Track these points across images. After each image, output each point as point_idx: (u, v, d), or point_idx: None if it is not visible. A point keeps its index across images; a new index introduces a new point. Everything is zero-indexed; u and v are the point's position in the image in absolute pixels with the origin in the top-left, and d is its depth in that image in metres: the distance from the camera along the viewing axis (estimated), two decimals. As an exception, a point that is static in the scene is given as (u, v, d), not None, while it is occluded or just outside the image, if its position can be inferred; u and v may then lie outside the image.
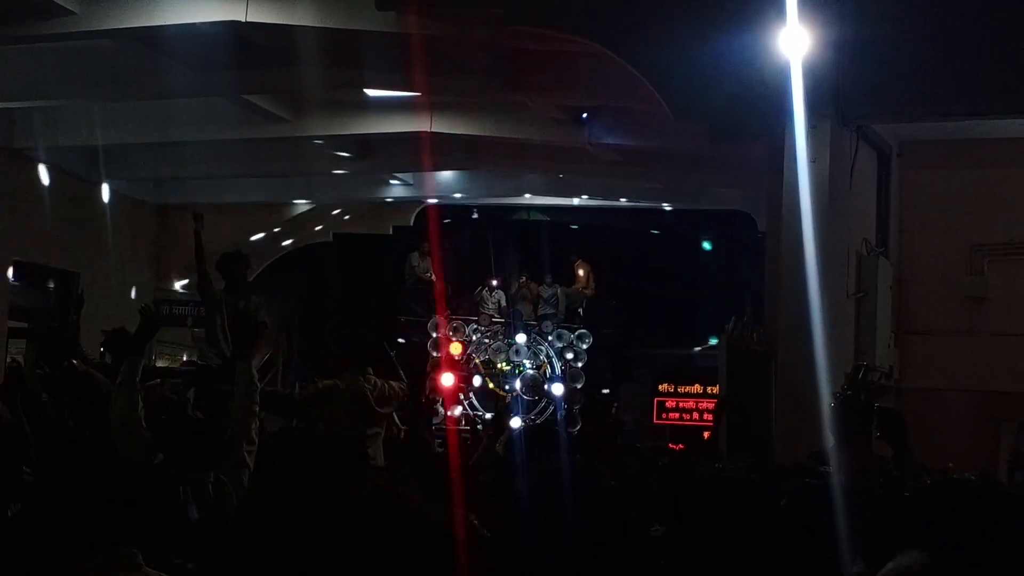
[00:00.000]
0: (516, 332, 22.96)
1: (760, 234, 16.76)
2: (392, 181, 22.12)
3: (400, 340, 22.12)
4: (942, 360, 13.64)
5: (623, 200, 22.87)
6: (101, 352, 11.93)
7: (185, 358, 18.02)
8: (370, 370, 10.20)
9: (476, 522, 2.39)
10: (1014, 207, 13.78)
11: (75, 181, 20.00)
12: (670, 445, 19.00)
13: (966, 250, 13.94)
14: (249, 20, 12.95)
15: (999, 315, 13.74)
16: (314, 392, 10.26)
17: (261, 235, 23.55)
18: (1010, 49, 11.85)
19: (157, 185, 22.32)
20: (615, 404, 23.48)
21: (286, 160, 20.10)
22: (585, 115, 16.82)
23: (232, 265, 11.90)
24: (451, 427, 19.52)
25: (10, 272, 19.14)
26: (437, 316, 22.46)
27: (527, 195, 22.90)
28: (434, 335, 22.76)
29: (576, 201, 23.39)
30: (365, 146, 19.62)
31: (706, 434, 18.34)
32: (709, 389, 22.63)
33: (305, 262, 24.77)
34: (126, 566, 3.32)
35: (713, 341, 21.31)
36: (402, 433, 10.84)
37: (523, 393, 22.70)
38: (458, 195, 23.12)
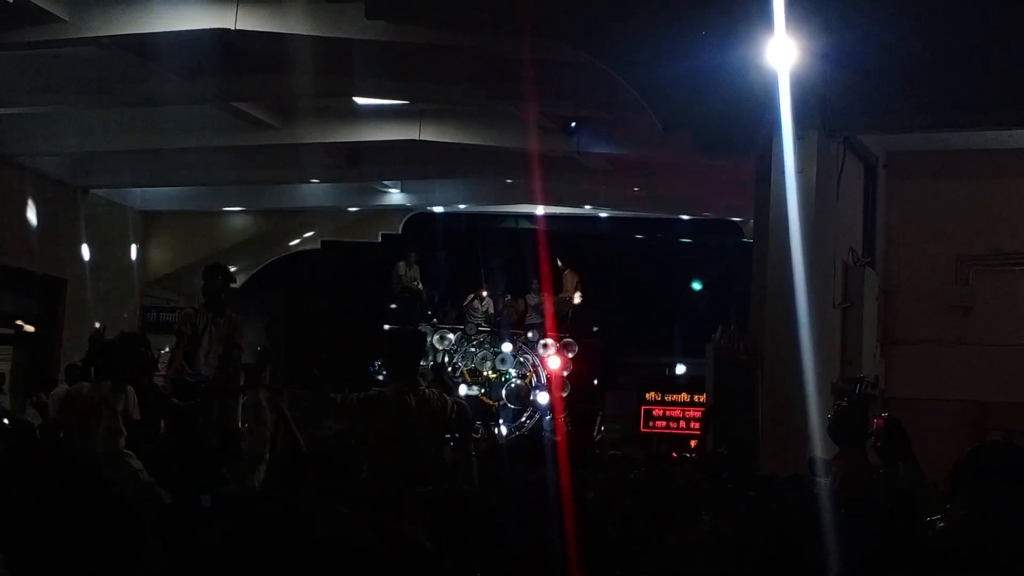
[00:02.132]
0: (502, 341, 22.99)
1: (747, 243, 16.82)
2: (381, 189, 22.14)
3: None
4: (928, 370, 13.68)
5: (611, 209, 22.92)
6: (83, 361, 11.90)
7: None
8: (420, 380, 8.76)
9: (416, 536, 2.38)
10: (1000, 217, 13.83)
11: (62, 187, 19.98)
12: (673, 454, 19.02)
13: (952, 260, 13.98)
14: (238, 28, 12.97)
15: (985, 325, 13.79)
16: (368, 399, 8.83)
17: (248, 242, 23.53)
18: (997, 61, 11.92)
19: (144, 192, 22.29)
20: (600, 413, 23.50)
21: (274, 168, 20.11)
22: (574, 124, 16.88)
23: (213, 278, 11.82)
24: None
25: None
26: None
27: (515, 204, 22.94)
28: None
29: (565, 210, 23.42)
30: (354, 154, 19.64)
31: (693, 443, 18.39)
32: (696, 397, 22.66)
33: (293, 270, 24.77)
34: None
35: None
36: None
37: (509, 402, 22.73)
38: (447, 203, 23.17)
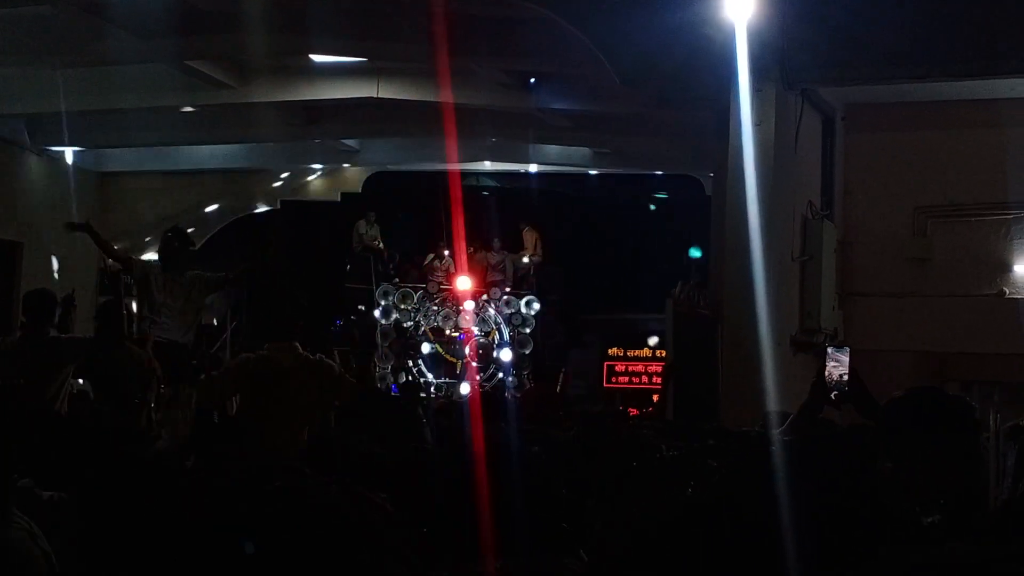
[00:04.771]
0: (465, 299, 22.98)
1: (707, 197, 16.82)
2: (340, 148, 21.99)
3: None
4: (886, 321, 13.77)
5: (571, 165, 22.86)
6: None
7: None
8: (298, 344, 8.22)
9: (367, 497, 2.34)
10: (957, 169, 13.90)
11: (16, 150, 19.75)
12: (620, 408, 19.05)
13: (910, 212, 14.06)
14: (192, -16, 12.81)
15: (942, 276, 13.88)
16: (219, 375, 8.51)
17: (207, 203, 23.36)
18: (953, 13, 11.93)
19: (100, 153, 22.06)
20: (563, 370, 23.54)
21: (231, 127, 19.92)
22: (533, 80, 16.78)
23: (168, 243, 11.89)
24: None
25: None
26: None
27: (476, 161, 22.84)
28: (383, 303, 22.75)
29: (525, 167, 23.35)
30: (312, 112, 19.49)
31: (655, 397, 18.45)
32: (658, 352, 22.73)
33: (253, 229, 24.60)
34: None
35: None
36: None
37: (472, 360, 22.77)
38: (406, 161, 23.05)
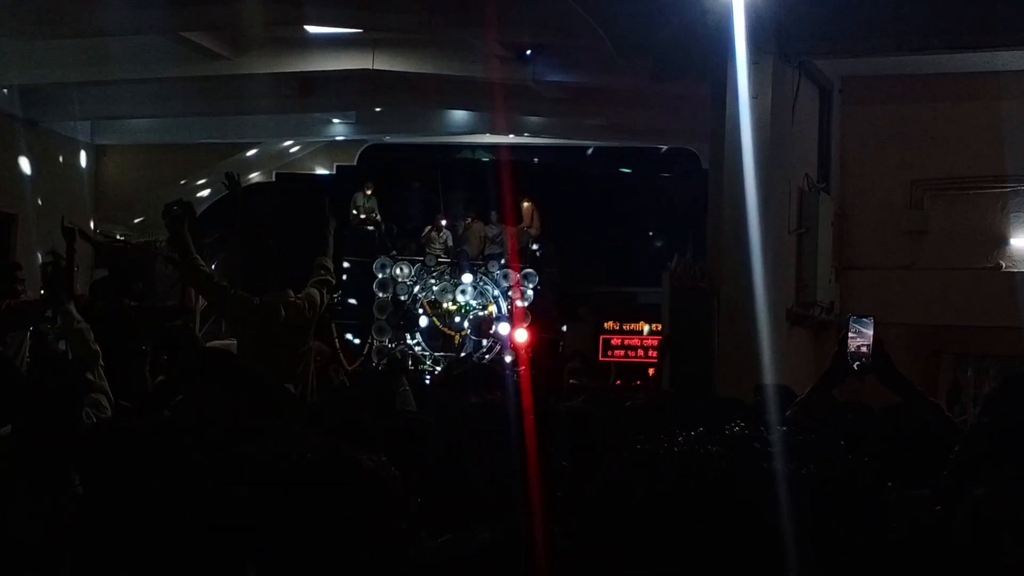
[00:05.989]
0: (462, 272, 22.95)
1: (704, 171, 16.78)
2: (335, 120, 21.90)
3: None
4: (883, 294, 13.74)
5: (568, 139, 22.80)
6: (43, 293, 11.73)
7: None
8: (291, 292, 8.62)
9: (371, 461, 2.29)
10: (954, 142, 13.87)
11: (9, 121, 19.65)
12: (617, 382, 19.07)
13: (907, 185, 14.03)
14: (185, -46, 12.73)
15: (939, 249, 13.87)
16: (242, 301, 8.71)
17: (201, 175, 23.27)
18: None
19: (96, 125, 21.96)
20: (561, 343, 23.54)
21: (226, 99, 19.83)
22: (529, 52, 16.71)
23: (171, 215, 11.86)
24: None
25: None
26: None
27: (472, 134, 22.77)
28: (379, 276, 22.74)
29: (521, 139, 23.27)
30: (307, 84, 19.39)
31: (651, 371, 18.46)
32: (654, 326, 22.74)
33: (247, 202, 24.48)
34: None
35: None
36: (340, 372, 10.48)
37: (470, 333, 22.76)
38: (402, 134, 22.97)
